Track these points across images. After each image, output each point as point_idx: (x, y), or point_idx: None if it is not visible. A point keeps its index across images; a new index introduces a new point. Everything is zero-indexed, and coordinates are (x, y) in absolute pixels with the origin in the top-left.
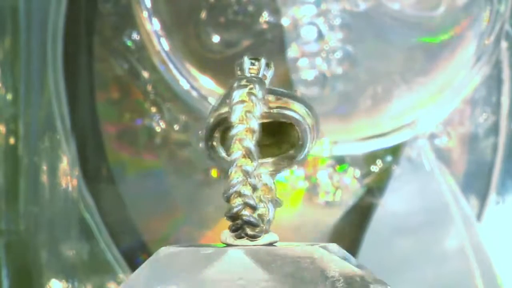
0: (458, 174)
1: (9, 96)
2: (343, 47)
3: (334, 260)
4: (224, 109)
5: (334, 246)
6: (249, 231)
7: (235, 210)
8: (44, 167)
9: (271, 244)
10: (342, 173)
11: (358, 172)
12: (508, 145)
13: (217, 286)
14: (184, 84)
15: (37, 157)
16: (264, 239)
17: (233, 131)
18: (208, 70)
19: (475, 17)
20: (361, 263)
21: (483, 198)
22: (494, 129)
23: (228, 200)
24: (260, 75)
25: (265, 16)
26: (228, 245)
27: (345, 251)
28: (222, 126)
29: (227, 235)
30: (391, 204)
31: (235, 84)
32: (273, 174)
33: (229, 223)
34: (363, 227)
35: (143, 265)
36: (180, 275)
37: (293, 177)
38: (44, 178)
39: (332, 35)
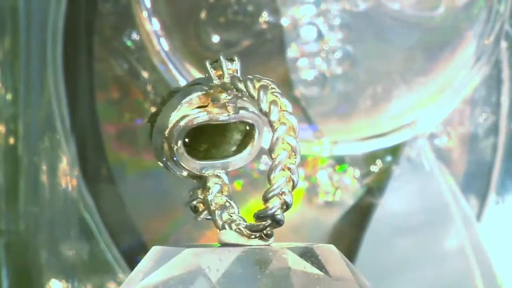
0: (458, 174)
1: (9, 96)
2: (342, 47)
3: (339, 259)
4: (185, 112)
5: (332, 248)
6: (270, 230)
7: (274, 210)
8: (44, 167)
9: (267, 244)
10: (341, 173)
11: (358, 172)
12: (508, 145)
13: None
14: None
15: (37, 157)
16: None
17: (278, 133)
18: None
19: (475, 17)
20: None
21: (483, 198)
22: (493, 129)
23: (267, 200)
24: (238, 74)
25: (265, 16)
26: (226, 245)
27: (341, 254)
28: (187, 130)
29: (232, 235)
30: (391, 204)
31: (257, 85)
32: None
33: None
34: (363, 227)
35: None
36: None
37: None
38: (44, 178)
39: (332, 35)
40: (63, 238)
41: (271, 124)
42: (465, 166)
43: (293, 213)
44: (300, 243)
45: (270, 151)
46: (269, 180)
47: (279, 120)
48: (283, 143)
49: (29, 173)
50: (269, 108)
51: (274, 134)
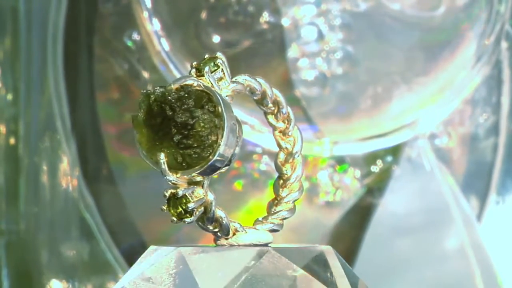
0: (458, 174)
1: (10, 96)
2: (343, 47)
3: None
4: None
5: (329, 249)
6: None
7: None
8: (45, 167)
9: (266, 244)
10: (342, 173)
11: (358, 172)
12: (508, 145)
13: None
14: None
15: (38, 157)
16: (260, 238)
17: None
18: None
19: (475, 17)
20: (354, 272)
21: (483, 198)
22: (494, 129)
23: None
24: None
25: (265, 16)
26: (224, 245)
27: (337, 256)
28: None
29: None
30: (391, 204)
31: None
32: None
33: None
34: (363, 227)
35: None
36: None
37: None
38: (45, 178)
39: (332, 35)
40: (63, 238)
41: (287, 133)
42: (465, 166)
43: None
44: (299, 243)
45: (287, 161)
46: (289, 187)
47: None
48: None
49: (29, 173)
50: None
51: (294, 147)
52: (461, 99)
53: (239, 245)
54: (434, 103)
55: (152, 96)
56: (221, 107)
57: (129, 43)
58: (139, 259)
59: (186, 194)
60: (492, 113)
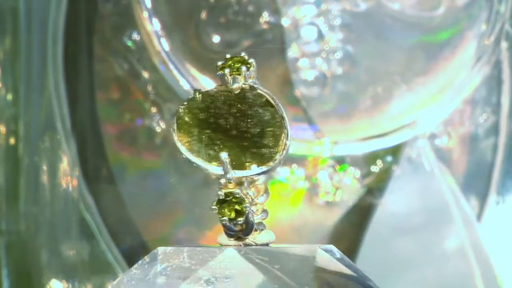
0: (458, 174)
1: (10, 96)
2: (343, 47)
3: (329, 263)
4: None
5: (332, 248)
6: None
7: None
8: (44, 167)
9: (267, 244)
10: (342, 173)
11: (358, 172)
12: (508, 145)
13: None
14: (184, 84)
15: (38, 157)
16: (262, 238)
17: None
18: (208, 70)
19: (475, 17)
20: (358, 267)
21: (483, 198)
22: (494, 129)
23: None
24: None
25: (265, 16)
26: (226, 246)
27: (342, 254)
28: None
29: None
30: (391, 204)
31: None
32: None
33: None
34: (363, 227)
35: (139, 264)
36: (177, 274)
37: (293, 177)
38: (45, 178)
39: (332, 35)
40: (63, 238)
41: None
42: (465, 166)
43: (293, 213)
44: (300, 244)
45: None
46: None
47: None
48: None
49: (29, 173)
50: None
51: None
52: (461, 99)
53: (256, 245)
54: (434, 103)
55: (220, 97)
56: (281, 108)
57: (129, 43)
58: (159, 262)
59: (242, 194)
60: (492, 113)
